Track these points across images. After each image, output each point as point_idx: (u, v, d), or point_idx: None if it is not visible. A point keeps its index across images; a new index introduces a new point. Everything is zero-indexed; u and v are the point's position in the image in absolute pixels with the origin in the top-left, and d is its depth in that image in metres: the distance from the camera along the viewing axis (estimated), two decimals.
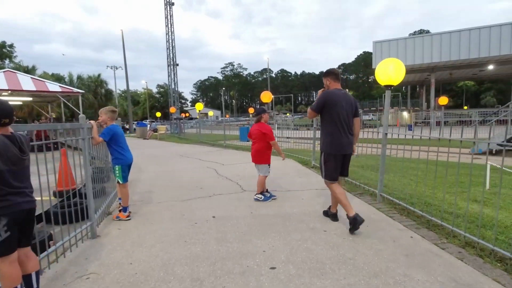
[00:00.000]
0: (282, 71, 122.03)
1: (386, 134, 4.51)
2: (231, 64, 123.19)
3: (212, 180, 6.58)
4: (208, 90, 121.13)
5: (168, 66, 32.15)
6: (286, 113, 67.47)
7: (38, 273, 2.16)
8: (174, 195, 5.39)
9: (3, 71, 13.61)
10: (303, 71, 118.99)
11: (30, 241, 2.14)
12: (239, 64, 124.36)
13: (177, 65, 32.20)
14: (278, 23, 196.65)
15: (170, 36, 31.66)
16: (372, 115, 43.43)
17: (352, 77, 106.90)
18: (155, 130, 22.53)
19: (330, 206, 4.04)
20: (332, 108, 3.53)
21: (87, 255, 2.99)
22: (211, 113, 37.87)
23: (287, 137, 15.10)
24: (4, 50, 50.37)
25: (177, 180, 6.72)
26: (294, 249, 3.03)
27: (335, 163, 3.61)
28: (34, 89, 12.96)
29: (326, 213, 4.07)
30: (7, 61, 46.26)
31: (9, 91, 12.66)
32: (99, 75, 36.89)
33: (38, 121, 23.02)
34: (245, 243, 3.20)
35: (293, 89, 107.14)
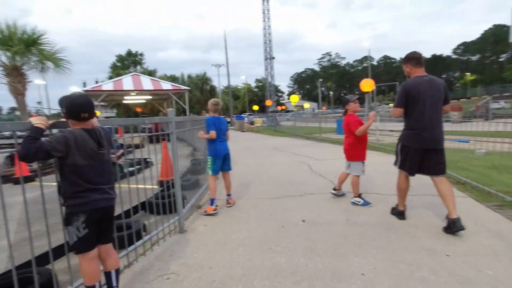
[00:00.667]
0: (385, 57, 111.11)
1: None
2: (328, 54, 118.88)
3: (305, 176, 6.14)
4: (305, 82, 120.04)
5: (265, 60, 32.88)
6: (388, 103, 61.32)
7: (118, 271, 2.13)
8: (264, 191, 5.17)
9: (131, 75, 16.08)
10: None
11: (110, 238, 2.11)
12: (337, 53, 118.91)
13: (273, 58, 32.61)
14: (380, 5, 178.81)
15: (267, 30, 32.20)
16: (504, 102, 35.41)
17: (475, 57, 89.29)
18: (252, 123, 23.39)
19: (397, 204, 3.69)
20: (415, 100, 3.19)
21: (173, 251, 2.96)
22: (306, 105, 37.23)
23: (390, 130, 13.38)
24: (136, 58, 60.70)
25: (269, 174, 6.53)
26: (403, 276, 2.35)
27: (410, 157, 3.31)
28: (152, 88, 14.88)
29: (394, 211, 3.72)
30: (138, 67, 55.56)
31: (136, 91, 14.86)
32: (204, 73, 40.65)
33: (157, 116, 26.78)
34: (339, 258, 2.66)
35: (398, 76, 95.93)
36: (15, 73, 9.14)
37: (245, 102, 68.42)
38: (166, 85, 15.37)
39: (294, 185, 5.46)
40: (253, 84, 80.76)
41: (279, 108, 36.40)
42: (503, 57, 75.87)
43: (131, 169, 7.85)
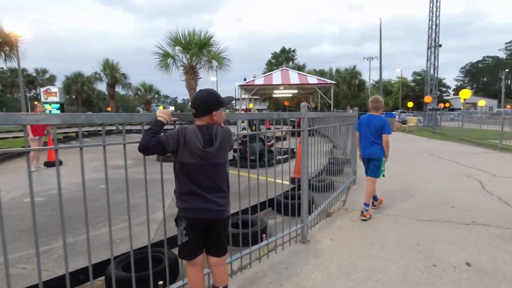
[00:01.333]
0: None
1: None
2: None
3: (472, 198, 4.68)
4: (481, 74, 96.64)
5: (428, 49, 28.13)
6: None
7: None
8: (410, 208, 4.20)
9: (280, 70, 16.92)
10: None
11: (219, 252, 1.85)
12: None
13: (440, 46, 27.44)
14: None
15: (435, 12, 27.28)
16: None
17: None
18: (404, 122, 20.44)
19: None
20: None
21: (289, 263, 2.67)
22: (482, 102, 29.72)
23: None
24: (289, 54, 64.28)
25: (418, 187, 5.34)
26: None
27: None
28: (298, 82, 15.16)
29: None
30: (290, 63, 58.72)
31: (283, 86, 15.54)
32: (354, 67, 38.59)
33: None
34: None
35: None
36: (191, 71, 11.06)
37: (397, 98, 61.27)
38: (312, 79, 15.32)
39: (455, 208, 4.21)
40: (409, 78, 71.25)
41: (441, 105, 30.65)
42: None
43: (279, 157, 8.15)
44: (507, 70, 78.99)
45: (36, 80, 43.94)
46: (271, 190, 3.09)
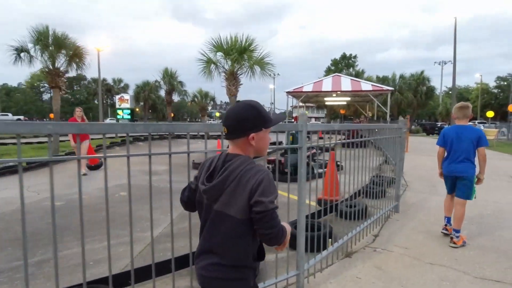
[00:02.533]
0: None
1: None
2: None
3: None
4: None
5: None
6: None
7: None
8: (469, 257, 3.11)
9: (332, 76, 15.85)
10: None
11: None
12: None
13: None
14: None
15: None
16: None
17: None
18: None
19: None
20: None
21: None
22: None
23: None
24: (349, 61, 61.68)
25: (492, 226, 4.07)
26: None
27: None
28: (350, 89, 13.94)
29: None
30: (351, 69, 56.19)
31: (335, 92, 14.48)
32: (422, 72, 34.95)
33: (358, 119, 25.56)
34: None
35: None
36: (231, 77, 10.80)
37: (476, 107, 53.90)
38: (366, 86, 13.93)
39: None
40: (491, 84, 62.47)
41: None
42: None
43: (320, 170, 7.44)
44: None
45: (113, 89, 49.12)
46: (293, 211, 2.42)
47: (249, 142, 1.16)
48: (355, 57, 61.24)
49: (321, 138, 3.39)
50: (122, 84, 50.47)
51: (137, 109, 45.01)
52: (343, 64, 58.55)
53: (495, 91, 59.41)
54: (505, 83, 55.07)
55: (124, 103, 33.79)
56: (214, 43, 10.41)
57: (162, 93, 25.58)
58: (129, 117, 33.50)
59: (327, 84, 14.34)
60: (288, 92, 14.51)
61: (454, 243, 3.33)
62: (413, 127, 37.88)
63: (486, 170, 3.52)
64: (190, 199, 1.29)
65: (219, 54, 10.62)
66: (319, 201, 4.70)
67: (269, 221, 1.08)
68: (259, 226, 1.10)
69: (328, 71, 56.60)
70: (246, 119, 1.16)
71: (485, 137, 3.43)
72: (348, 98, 17.40)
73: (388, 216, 4.30)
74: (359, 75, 35.30)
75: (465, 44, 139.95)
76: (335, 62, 58.44)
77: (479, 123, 39.23)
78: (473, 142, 3.36)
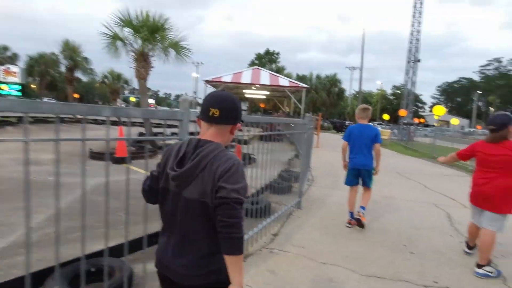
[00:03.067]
0: None
1: None
2: (497, 60, 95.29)
3: (438, 239, 3.75)
4: (456, 94, 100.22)
5: (407, 62, 28.06)
6: None
7: None
8: (357, 252, 3.17)
9: (252, 68, 15.81)
10: None
11: None
12: (511, 59, 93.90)
13: (419, 61, 27.44)
14: None
15: (415, 27, 27.25)
16: None
17: None
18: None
19: None
20: None
21: None
22: (455, 121, 30.00)
23: None
24: (272, 57, 63.61)
25: (376, 220, 4.35)
26: None
27: None
28: (268, 83, 14.10)
29: None
30: (273, 65, 57.99)
31: (253, 85, 14.43)
32: (335, 74, 38.23)
33: (277, 113, 26.45)
34: None
35: None
36: (141, 59, 9.69)
37: (376, 110, 61.92)
38: (284, 81, 14.31)
39: (415, 255, 3.22)
40: (389, 91, 72.51)
41: (416, 120, 30.72)
42: None
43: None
44: (479, 92, 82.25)
45: None
46: None
47: (231, 131, 1.21)
48: (277, 54, 63.56)
49: (240, 130, 3.36)
50: (8, 53, 41.97)
51: (33, 86, 38.29)
52: (266, 59, 60.27)
53: (391, 97, 69.09)
54: (399, 91, 64.47)
55: (11, 76, 28.27)
56: (122, 17, 9.13)
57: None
58: (19, 93, 28.19)
59: (246, 76, 14.25)
60: (206, 81, 13.94)
61: (361, 217, 3.73)
62: (325, 124, 41.34)
63: (380, 164, 3.98)
64: (152, 188, 1.25)
65: (128, 30, 9.39)
66: None
67: (228, 210, 1.04)
68: (218, 213, 1.06)
69: (252, 65, 57.52)
70: (239, 108, 1.20)
71: (380, 135, 3.89)
72: (267, 92, 17.72)
73: (290, 213, 4.23)
74: (280, 71, 36.71)
75: (370, 54, 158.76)
76: (259, 57, 59.71)
77: (377, 124, 45.04)
78: (371, 138, 3.80)
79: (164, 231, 1.23)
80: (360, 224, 3.72)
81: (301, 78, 38.41)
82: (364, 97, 69.11)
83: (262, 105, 30.46)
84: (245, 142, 6.77)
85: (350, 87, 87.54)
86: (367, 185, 3.94)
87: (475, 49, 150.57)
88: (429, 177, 8.21)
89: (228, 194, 1.04)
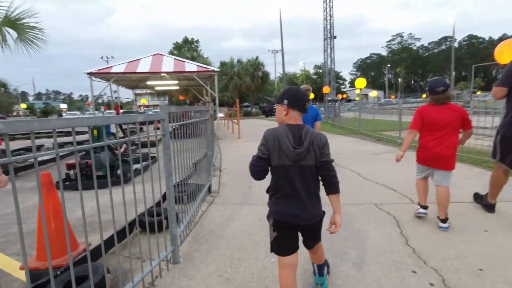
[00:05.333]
0: (470, 37, 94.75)
1: None
2: (399, 35, 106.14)
3: (392, 272, 2.17)
4: (370, 69, 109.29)
5: (324, 40, 28.01)
6: (476, 92, 50.77)
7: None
8: None
9: (152, 54, 13.16)
10: (504, 34, 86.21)
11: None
12: (410, 34, 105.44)
13: (335, 37, 27.56)
14: None
15: (328, 3, 27.15)
16: None
17: None
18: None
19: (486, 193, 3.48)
20: None
21: None
22: (374, 93, 31.35)
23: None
24: (192, 45, 59.94)
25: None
26: None
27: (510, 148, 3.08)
28: (172, 70, 11.74)
29: (482, 200, 3.54)
30: (194, 54, 54.53)
31: (152, 74, 11.88)
32: (256, 58, 36.88)
33: (198, 104, 24.04)
34: None
35: (487, 59, 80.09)
36: None
37: None
38: (191, 66, 12.09)
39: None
40: (311, 71, 74.98)
41: (340, 96, 31.30)
42: None
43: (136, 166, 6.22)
44: (388, 65, 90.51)
45: None
46: None
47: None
48: (197, 41, 60.24)
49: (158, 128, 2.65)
50: None
51: None
52: (186, 48, 56.52)
53: (315, 77, 71.46)
54: (321, 70, 66.79)
55: None
56: None
57: None
58: None
59: (144, 65, 11.64)
60: (91, 73, 10.90)
61: None
62: (253, 110, 40.17)
63: None
64: (264, 168, 1.77)
65: None
66: None
67: (331, 167, 1.78)
68: (324, 170, 1.75)
69: (171, 55, 53.33)
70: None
71: (320, 113, 4.16)
72: (175, 82, 15.22)
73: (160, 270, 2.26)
74: (206, 62, 34.06)
75: (290, 39, 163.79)
76: (177, 46, 55.66)
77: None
78: (312, 118, 4.08)
79: (284, 196, 1.73)
80: None
81: (222, 65, 36.30)
82: (290, 79, 70.48)
83: (181, 97, 27.56)
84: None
85: (275, 70, 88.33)
86: None
87: (379, 28, 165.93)
88: (361, 159, 7.04)
89: (329, 158, 1.76)
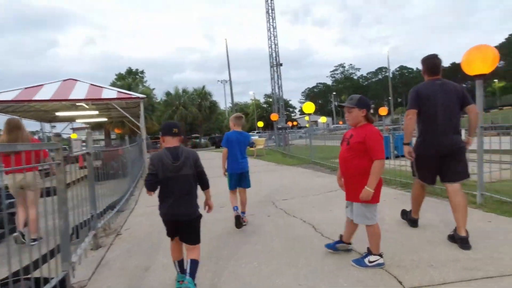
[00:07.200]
0: (401, 68, 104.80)
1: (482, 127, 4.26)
2: (341, 66, 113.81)
3: None
4: (317, 97, 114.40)
5: (270, 67, 27.58)
6: None
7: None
8: None
9: (62, 80, 10.79)
10: None
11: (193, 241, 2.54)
12: (351, 65, 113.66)
13: (281, 64, 27.27)
14: (389, 20, 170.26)
15: (272, 31, 27.07)
16: None
17: (500, 64, 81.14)
18: (252, 145, 17.24)
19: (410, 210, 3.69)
20: (424, 104, 3.18)
21: None
22: (323, 119, 31.37)
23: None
24: (136, 76, 57.03)
25: None
26: None
27: (427, 165, 3.28)
28: (84, 97, 9.47)
29: (406, 216, 3.77)
30: (140, 86, 51.48)
31: (54, 102, 9.47)
32: (203, 87, 35.45)
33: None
34: None
35: None
36: None
37: (254, 119, 62.91)
38: (110, 93, 9.98)
39: None
40: (262, 100, 75.75)
41: (290, 123, 30.68)
42: None
43: None
44: (334, 93, 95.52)
45: None
46: None
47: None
48: (142, 72, 57.57)
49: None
50: None
51: None
52: (130, 79, 53.40)
53: (265, 106, 72.13)
54: (271, 99, 67.59)
55: None
56: None
57: None
58: None
59: (47, 91, 9.27)
60: None
61: (244, 221, 4.11)
62: (203, 141, 38.09)
63: (251, 190, 5.15)
64: (155, 181, 2.43)
65: None
66: None
67: (204, 174, 2.66)
68: (200, 176, 2.62)
69: (114, 86, 49.58)
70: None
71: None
72: (95, 112, 12.75)
73: None
74: (145, 91, 31.66)
75: (243, 70, 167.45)
76: (120, 77, 52.10)
77: (256, 132, 44.78)
78: (246, 144, 4.35)
79: (168, 198, 2.42)
80: (239, 222, 3.99)
81: (166, 95, 34.16)
82: (241, 108, 70.19)
83: (117, 131, 24.58)
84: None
85: (225, 100, 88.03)
86: (247, 186, 4.35)
87: (323, 60, 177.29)
88: (316, 199, 5.44)
89: (201, 167, 2.62)
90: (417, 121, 3.28)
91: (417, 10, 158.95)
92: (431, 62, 3.28)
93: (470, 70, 4.56)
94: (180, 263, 2.61)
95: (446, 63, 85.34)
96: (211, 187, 2.76)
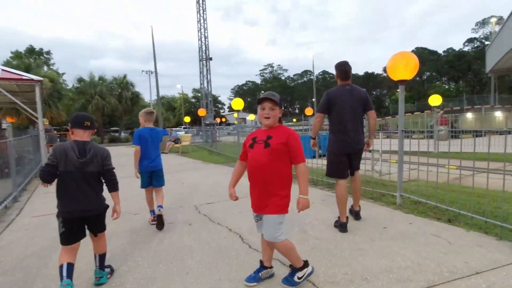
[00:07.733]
0: (324, 72, 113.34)
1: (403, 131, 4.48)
2: (270, 65, 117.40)
3: None
4: (246, 95, 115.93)
5: (200, 61, 26.51)
6: None
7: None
8: None
9: None
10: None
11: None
12: (279, 65, 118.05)
13: (211, 59, 26.43)
14: (315, 28, 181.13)
15: (203, 23, 26.01)
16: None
17: None
18: (177, 141, 16.09)
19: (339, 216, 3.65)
20: (334, 107, 3.58)
21: None
22: (252, 116, 31.47)
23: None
24: (40, 56, 49.12)
25: None
26: None
27: (338, 162, 3.63)
28: None
29: (337, 223, 3.70)
30: (45, 68, 44.23)
31: None
32: (124, 76, 32.19)
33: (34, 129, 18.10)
34: None
35: None
36: None
37: (181, 114, 60.26)
38: None
39: None
40: (190, 95, 73.21)
41: (218, 120, 30.09)
42: (426, 75, 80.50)
43: None
44: (263, 91, 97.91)
45: None
46: None
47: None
48: (48, 53, 50.10)
49: None
50: None
51: None
52: (33, 59, 45.61)
53: (193, 100, 69.91)
54: (199, 94, 65.84)
55: None
56: None
57: None
58: None
59: None
60: None
61: (161, 213, 3.88)
62: (122, 135, 34.79)
63: (172, 194, 4.15)
64: (52, 173, 2.27)
65: None
66: None
67: (112, 172, 2.51)
68: (107, 174, 2.48)
69: (7, 65, 41.48)
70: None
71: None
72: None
73: None
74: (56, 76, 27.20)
75: (171, 63, 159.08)
76: (17, 55, 43.95)
77: (183, 128, 42.86)
78: (159, 140, 4.18)
79: (68, 195, 2.29)
80: (161, 221, 3.80)
81: (78, 81, 30.11)
82: (168, 102, 66.62)
83: (10, 120, 20.47)
84: None
85: (150, 92, 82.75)
86: (162, 184, 4.18)
87: (253, 59, 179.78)
88: (242, 204, 5.00)
89: (110, 166, 2.49)
90: (329, 121, 3.72)
91: (338, 21, 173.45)
92: (342, 68, 3.63)
93: (394, 75, 4.65)
94: (70, 267, 2.30)
95: (360, 71, 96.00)
96: (126, 187, 2.25)
